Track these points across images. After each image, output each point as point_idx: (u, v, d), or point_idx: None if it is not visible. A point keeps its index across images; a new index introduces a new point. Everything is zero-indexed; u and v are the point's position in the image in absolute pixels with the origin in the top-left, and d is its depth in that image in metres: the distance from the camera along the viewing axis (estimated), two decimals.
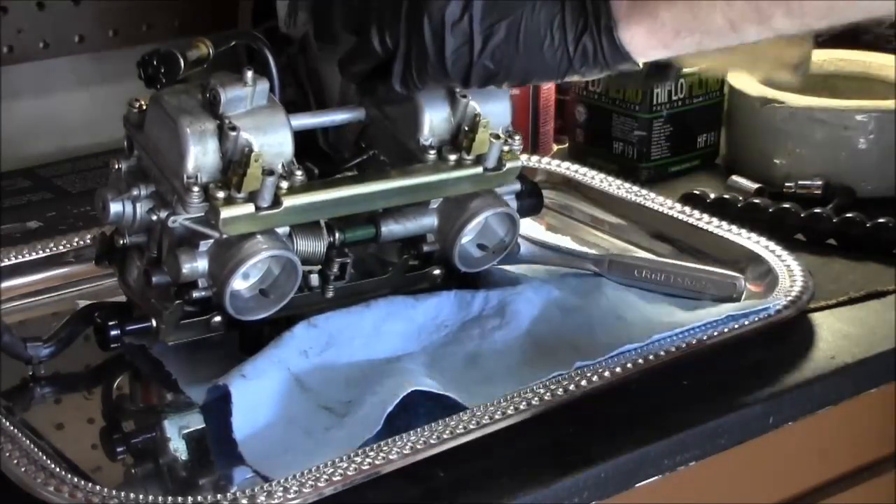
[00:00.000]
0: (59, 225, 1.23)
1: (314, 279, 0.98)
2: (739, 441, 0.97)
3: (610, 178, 1.27)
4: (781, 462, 1.04)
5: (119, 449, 0.95)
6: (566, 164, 1.30)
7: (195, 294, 0.93)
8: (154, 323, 0.96)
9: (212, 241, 0.92)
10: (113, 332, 0.96)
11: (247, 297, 0.94)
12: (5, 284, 1.08)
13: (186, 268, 0.92)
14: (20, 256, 1.11)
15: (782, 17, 0.88)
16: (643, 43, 0.91)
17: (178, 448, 0.93)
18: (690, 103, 1.37)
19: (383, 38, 0.94)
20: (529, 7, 0.91)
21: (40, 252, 1.12)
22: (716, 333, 1.00)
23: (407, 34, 0.93)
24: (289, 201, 0.93)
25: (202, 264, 0.93)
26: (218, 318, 0.96)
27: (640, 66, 0.94)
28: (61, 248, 1.13)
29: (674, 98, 1.35)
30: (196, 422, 0.94)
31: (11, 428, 0.88)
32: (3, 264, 1.10)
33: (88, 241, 1.13)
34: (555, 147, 1.43)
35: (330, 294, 0.99)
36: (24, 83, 1.38)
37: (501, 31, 0.91)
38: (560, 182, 1.28)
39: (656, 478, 0.92)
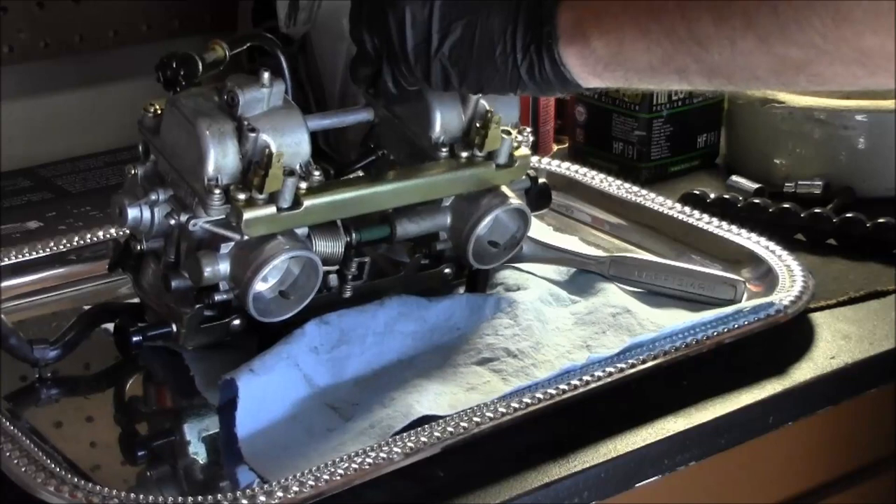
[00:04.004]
0: (59, 225, 1.23)
1: (332, 279, 0.98)
2: (739, 441, 0.97)
3: (610, 178, 1.27)
4: (781, 462, 1.04)
5: (120, 449, 0.95)
6: (566, 164, 1.30)
7: (217, 297, 0.93)
8: (174, 328, 0.96)
9: (232, 243, 0.92)
10: (135, 338, 0.96)
11: (268, 298, 0.94)
12: (5, 284, 1.08)
13: (208, 271, 0.92)
14: (20, 256, 1.11)
15: (696, 74, 0.84)
16: (578, 67, 0.89)
17: (179, 448, 0.93)
18: (690, 103, 1.37)
19: (373, 41, 0.94)
20: (486, 10, 0.90)
21: (40, 252, 1.12)
22: (716, 333, 1.00)
23: (380, 33, 0.93)
24: (309, 201, 0.93)
25: (223, 267, 0.92)
26: (237, 322, 0.96)
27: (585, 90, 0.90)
28: (61, 248, 1.13)
29: (674, 98, 1.35)
30: (198, 421, 0.94)
31: (11, 428, 0.88)
32: (3, 264, 1.10)
33: (88, 240, 1.13)
34: (555, 147, 1.43)
35: (348, 294, 0.99)
36: (24, 83, 1.38)
37: (458, 31, 0.91)
38: (560, 182, 1.27)
39: (656, 478, 0.92)
